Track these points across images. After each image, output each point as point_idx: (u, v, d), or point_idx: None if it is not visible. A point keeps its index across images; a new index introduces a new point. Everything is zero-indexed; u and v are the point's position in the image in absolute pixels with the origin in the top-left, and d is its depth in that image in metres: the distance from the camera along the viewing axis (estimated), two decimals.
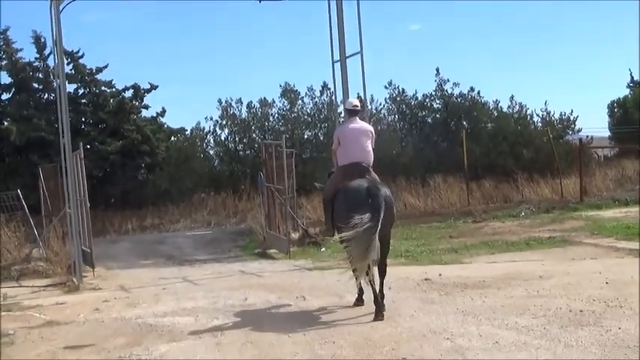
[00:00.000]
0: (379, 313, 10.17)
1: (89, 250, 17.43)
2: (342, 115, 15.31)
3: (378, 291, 10.51)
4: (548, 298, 10.67)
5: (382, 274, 10.79)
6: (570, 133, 33.25)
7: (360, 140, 11.22)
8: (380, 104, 33.07)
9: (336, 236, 11.00)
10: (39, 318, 11.93)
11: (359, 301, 11.16)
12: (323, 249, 19.29)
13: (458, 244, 18.40)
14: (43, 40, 30.88)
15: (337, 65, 17.59)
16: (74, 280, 15.61)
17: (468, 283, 12.37)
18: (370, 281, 10.42)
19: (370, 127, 11.72)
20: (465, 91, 32.70)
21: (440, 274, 13.38)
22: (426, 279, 13.06)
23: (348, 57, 17.32)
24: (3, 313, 12.38)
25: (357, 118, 11.55)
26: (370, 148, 11.28)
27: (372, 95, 32.32)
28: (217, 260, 19.37)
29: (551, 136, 29.51)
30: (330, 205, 11.15)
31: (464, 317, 9.86)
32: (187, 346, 9.37)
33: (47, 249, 19.01)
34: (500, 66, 48.81)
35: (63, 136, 16.23)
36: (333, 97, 17.82)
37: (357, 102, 11.96)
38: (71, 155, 16.24)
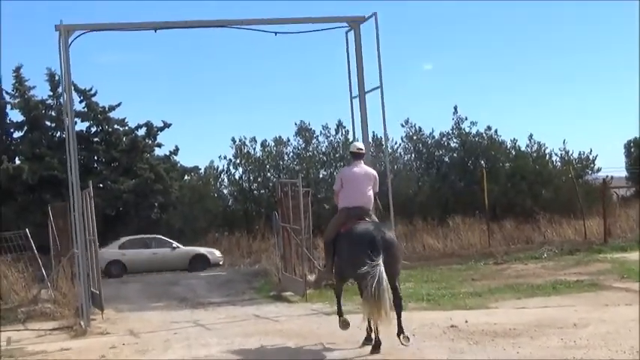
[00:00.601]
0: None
1: (98, 292, 16.84)
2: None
3: (396, 325, 10.62)
4: (587, 349, 9.95)
5: (398, 309, 10.70)
6: (590, 172, 32.63)
7: (363, 184, 11.39)
8: (396, 143, 32.51)
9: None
10: None
11: (368, 340, 11.14)
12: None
13: (481, 288, 17.76)
14: (56, 77, 30.60)
15: (355, 101, 17.16)
16: (81, 323, 14.92)
17: (497, 330, 11.65)
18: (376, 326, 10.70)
19: (374, 172, 11.79)
20: (482, 130, 32.26)
21: (466, 321, 12.61)
22: (452, 326, 12.32)
23: (368, 92, 16.83)
24: None
25: (362, 161, 11.67)
26: (371, 192, 11.48)
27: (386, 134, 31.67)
28: (231, 303, 18.64)
29: (571, 175, 28.84)
30: (332, 246, 11.33)
31: None
32: None
33: (55, 290, 18.40)
34: (517, 104, 48.21)
35: (71, 173, 15.51)
36: (351, 134, 17.27)
37: (361, 145, 12.25)
38: (79, 193, 15.59)
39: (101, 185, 29.84)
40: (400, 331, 10.59)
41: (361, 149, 11.80)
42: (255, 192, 32.29)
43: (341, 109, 50.88)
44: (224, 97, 48.67)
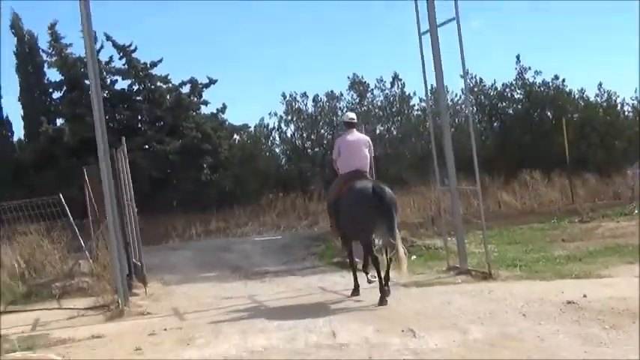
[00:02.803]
0: (384, 299, 11.37)
1: (139, 264, 14.86)
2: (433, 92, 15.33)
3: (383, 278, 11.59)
4: None
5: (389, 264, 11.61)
6: None
7: (359, 150, 12.41)
8: (456, 95, 29.76)
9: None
10: None
11: (356, 292, 12.48)
12: (414, 257, 16.30)
13: (577, 251, 15.43)
14: (94, 33, 28.36)
15: (425, 38, 14.54)
16: (119, 302, 12.82)
17: (631, 308, 9.18)
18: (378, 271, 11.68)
19: (367, 138, 12.92)
20: (549, 80, 29.66)
21: (584, 295, 10.21)
22: (568, 302, 9.96)
23: (440, 25, 14.25)
24: (18, 355, 9.68)
25: (355, 130, 12.77)
26: (368, 157, 12.53)
27: (446, 86, 29.17)
28: (290, 272, 16.54)
29: None
30: (335, 208, 12.23)
31: None
32: None
33: (95, 261, 16.39)
34: (585, 50, 44.76)
35: (98, 127, 13.25)
36: (419, 77, 15.14)
37: (353, 115, 13.19)
38: (106, 148, 13.31)
39: (146, 147, 27.98)
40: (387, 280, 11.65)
41: (353, 119, 12.90)
42: (308, 150, 30.03)
43: (396, 61, 48.08)
44: (272, 52, 45.70)
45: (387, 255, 11.39)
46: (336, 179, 12.56)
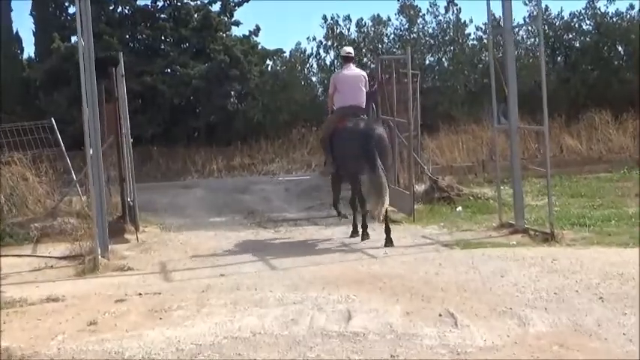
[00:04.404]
0: (389, 241, 11.17)
1: (132, 204, 12.65)
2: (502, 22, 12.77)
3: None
4: None
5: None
6: None
7: (355, 85, 12.33)
8: (517, 23, 26.61)
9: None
10: None
11: (355, 233, 12.08)
12: (459, 208, 14.29)
13: None
14: None
15: None
16: (99, 253, 10.42)
17: None
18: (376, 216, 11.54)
19: (363, 73, 12.87)
20: (623, 9, 26.35)
21: None
22: None
23: None
24: None
25: (352, 64, 12.72)
26: (364, 91, 12.43)
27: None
28: (312, 220, 14.25)
29: None
30: (329, 142, 12.18)
31: None
32: None
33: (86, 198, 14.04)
34: None
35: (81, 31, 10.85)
36: (486, 6, 12.84)
37: (350, 49, 13.19)
38: (91, 61, 10.94)
39: (168, 70, 25.55)
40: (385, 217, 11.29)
41: (350, 53, 12.89)
42: None
43: None
44: None
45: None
46: (331, 114, 12.67)
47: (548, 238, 10.63)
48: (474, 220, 13.06)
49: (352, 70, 12.61)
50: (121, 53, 13.67)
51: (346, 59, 12.79)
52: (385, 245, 11.01)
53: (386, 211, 11.18)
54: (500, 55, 13.51)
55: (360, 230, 11.85)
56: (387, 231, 11.24)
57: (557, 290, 7.59)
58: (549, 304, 7.14)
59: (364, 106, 12.44)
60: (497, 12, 13.71)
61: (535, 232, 11.16)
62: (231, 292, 8.28)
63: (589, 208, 13.40)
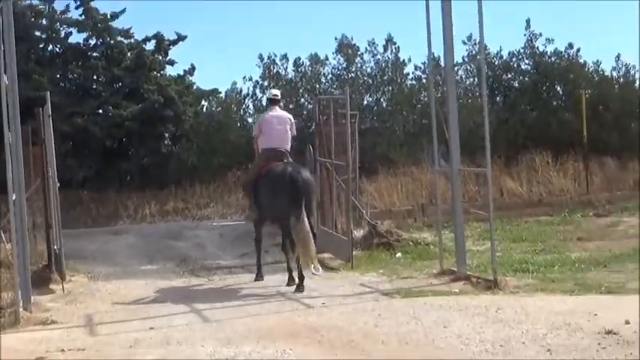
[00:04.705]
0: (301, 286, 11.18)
1: (58, 251, 12.15)
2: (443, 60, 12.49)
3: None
4: None
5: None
6: None
7: (280, 128, 12.39)
8: (457, 62, 26.47)
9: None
10: None
11: (292, 281, 11.65)
12: (399, 254, 13.96)
13: (598, 253, 12.92)
14: None
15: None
16: (21, 306, 9.80)
17: None
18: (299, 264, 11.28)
19: (289, 115, 12.92)
20: (562, 49, 26.35)
21: (627, 322, 7.57)
22: (607, 332, 7.36)
23: None
24: None
25: (277, 107, 12.84)
26: (289, 134, 12.46)
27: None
28: (247, 268, 13.65)
29: None
30: (253, 188, 12.28)
31: None
32: None
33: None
34: (601, 17, 40.74)
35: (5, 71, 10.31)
36: (424, 43, 12.45)
37: (277, 92, 13.55)
38: (15, 101, 10.39)
39: (100, 111, 24.67)
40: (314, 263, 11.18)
41: (277, 95, 13.13)
42: None
43: (389, 22, 44.11)
44: (250, 7, 41.48)
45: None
46: (256, 158, 12.82)
47: (491, 286, 10.31)
48: (414, 266, 12.74)
49: (278, 112, 12.71)
50: (48, 93, 13.22)
51: (272, 102, 12.90)
52: (295, 291, 11.10)
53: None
54: (439, 94, 13.32)
55: (297, 281, 11.41)
56: (301, 278, 11.26)
57: (503, 342, 7.31)
58: (495, 357, 6.90)
59: (288, 149, 12.42)
60: (437, 51, 13.68)
61: (477, 280, 10.83)
62: (161, 347, 7.87)
63: (531, 253, 13.28)
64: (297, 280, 11.41)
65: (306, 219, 11.11)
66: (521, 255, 13.04)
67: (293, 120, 12.79)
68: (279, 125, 12.37)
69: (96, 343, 8.21)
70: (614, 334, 7.22)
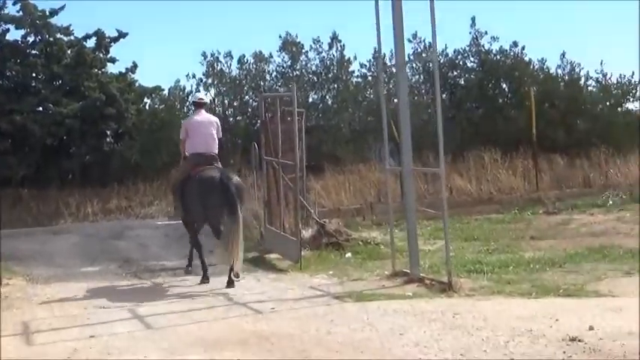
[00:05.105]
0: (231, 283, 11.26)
1: None
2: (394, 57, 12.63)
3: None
4: None
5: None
6: (631, 100, 27.05)
7: (206, 131, 12.44)
8: (409, 57, 26.31)
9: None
10: None
11: (205, 279, 11.85)
12: (348, 254, 13.53)
13: (552, 252, 12.59)
14: None
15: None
16: None
17: None
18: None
19: (215, 119, 13.08)
20: (507, 47, 26.27)
21: (591, 327, 7.30)
22: (571, 338, 7.03)
23: None
24: None
25: (203, 110, 12.86)
26: (215, 137, 12.53)
27: (391, 50, 25.87)
28: (192, 271, 13.05)
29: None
30: (180, 190, 12.23)
31: None
32: None
33: None
34: (546, 15, 40.81)
35: None
36: (374, 42, 12.63)
37: (202, 95, 13.92)
38: None
39: (40, 108, 24.24)
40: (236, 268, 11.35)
41: (202, 99, 13.16)
42: (230, 119, 26.38)
43: (335, 18, 43.78)
44: (192, 2, 41.00)
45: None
46: (183, 161, 12.70)
47: (446, 288, 9.95)
48: (364, 267, 12.34)
49: (203, 115, 12.73)
50: None
51: (198, 105, 12.93)
52: (227, 286, 11.18)
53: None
54: (386, 92, 13.05)
55: (226, 279, 11.43)
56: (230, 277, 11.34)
57: (464, 350, 6.97)
58: None
59: (216, 152, 12.48)
60: (384, 48, 13.84)
61: (431, 282, 10.47)
62: (101, 357, 7.43)
63: (484, 253, 12.98)
64: (209, 280, 11.73)
65: (241, 223, 11.36)
66: (474, 255, 12.73)
67: (219, 123, 12.87)
68: (206, 129, 12.43)
69: (31, 354, 7.77)
70: (579, 341, 6.94)
